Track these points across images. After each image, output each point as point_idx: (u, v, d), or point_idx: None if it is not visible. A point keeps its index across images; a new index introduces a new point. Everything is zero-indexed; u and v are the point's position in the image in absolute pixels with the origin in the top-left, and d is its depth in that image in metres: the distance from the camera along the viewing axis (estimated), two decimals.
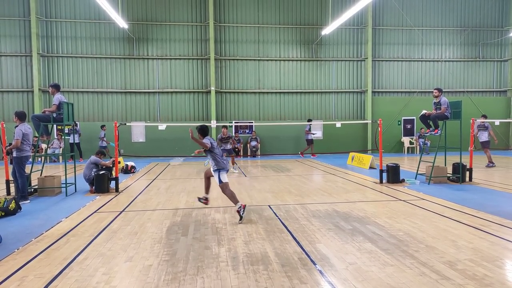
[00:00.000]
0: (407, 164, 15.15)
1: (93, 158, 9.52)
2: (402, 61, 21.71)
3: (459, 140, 10.06)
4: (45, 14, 19.13)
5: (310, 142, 19.01)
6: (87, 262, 4.35)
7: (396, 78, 21.81)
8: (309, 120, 19.23)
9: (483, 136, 13.95)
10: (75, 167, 9.74)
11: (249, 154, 20.12)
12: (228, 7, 20.38)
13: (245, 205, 6.09)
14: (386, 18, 21.43)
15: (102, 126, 18.29)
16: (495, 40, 22.15)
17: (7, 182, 8.79)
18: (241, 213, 6.02)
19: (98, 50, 19.61)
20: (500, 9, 22.18)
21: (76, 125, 17.57)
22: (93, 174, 9.12)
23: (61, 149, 17.49)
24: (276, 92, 20.93)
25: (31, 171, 8.96)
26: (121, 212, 6.94)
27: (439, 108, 9.94)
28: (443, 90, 11.29)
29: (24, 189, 7.97)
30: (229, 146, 13.11)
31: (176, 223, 6.12)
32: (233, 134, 20.15)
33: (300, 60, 21.01)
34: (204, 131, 6.53)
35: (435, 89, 10.14)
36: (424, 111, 10.28)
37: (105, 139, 17.97)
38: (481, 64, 22.31)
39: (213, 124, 19.77)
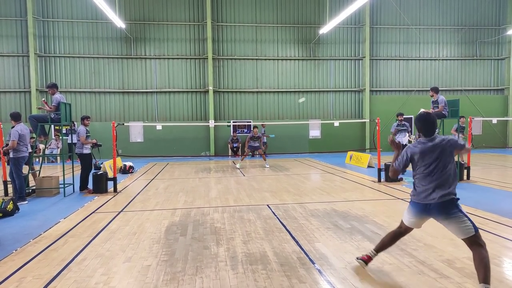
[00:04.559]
0: None
1: (81, 129, 9.28)
2: (399, 59, 21.74)
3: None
4: (42, 14, 19.07)
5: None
6: (85, 262, 4.34)
7: (394, 77, 21.84)
8: (399, 115, 13.08)
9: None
10: (73, 168, 9.73)
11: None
12: (226, 7, 20.36)
13: (365, 259, 4.01)
14: (383, 17, 21.45)
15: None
16: (492, 39, 22.21)
17: (5, 183, 8.76)
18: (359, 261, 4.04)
19: (96, 50, 19.56)
20: (497, 7, 22.24)
21: (74, 125, 17.52)
22: (86, 146, 9.21)
23: (59, 149, 17.44)
24: (274, 92, 20.93)
25: (28, 172, 8.93)
26: (119, 213, 6.93)
27: (437, 106, 9.97)
28: (441, 88, 11.25)
29: (21, 190, 7.94)
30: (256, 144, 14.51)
31: (175, 223, 6.11)
32: (232, 134, 20.16)
33: (298, 59, 21.01)
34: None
35: (430, 89, 10.19)
36: (422, 110, 10.30)
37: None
38: (479, 62, 22.36)
39: (211, 124, 19.77)
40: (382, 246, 3.98)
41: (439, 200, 3.36)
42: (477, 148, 21.00)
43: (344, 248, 4.69)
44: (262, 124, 17.22)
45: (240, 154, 19.91)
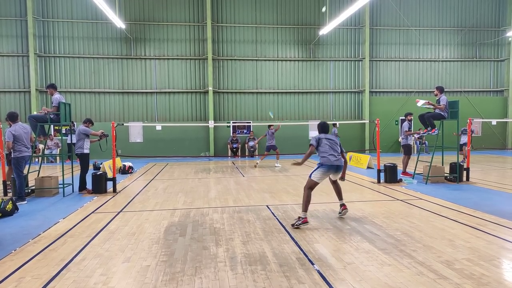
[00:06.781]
0: None
1: (82, 128, 9.13)
2: (399, 61, 21.77)
3: (456, 140, 10.08)
4: (42, 14, 19.07)
5: (407, 149, 11.55)
6: (84, 263, 4.34)
7: (394, 78, 21.87)
8: (409, 115, 11.57)
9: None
10: (72, 168, 9.73)
11: (247, 154, 20.12)
12: (226, 7, 20.38)
13: (306, 221, 5.67)
14: (383, 18, 21.48)
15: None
16: (492, 40, 22.25)
17: (4, 183, 8.76)
18: (296, 223, 5.69)
19: (95, 50, 19.57)
20: (497, 9, 22.28)
21: (74, 125, 17.53)
22: (86, 146, 9.02)
23: (58, 149, 17.44)
24: (273, 92, 20.94)
25: (28, 172, 8.92)
26: (118, 213, 6.93)
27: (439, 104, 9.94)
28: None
29: (21, 190, 7.93)
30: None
31: (174, 223, 6.11)
32: (231, 135, 20.18)
33: (298, 60, 21.03)
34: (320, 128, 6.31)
35: (435, 88, 10.22)
36: (421, 103, 10.11)
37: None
38: (478, 64, 22.40)
39: (211, 124, 19.78)
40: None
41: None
42: (477, 150, 21.02)
43: (343, 249, 4.69)
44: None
45: (239, 154, 19.93)
